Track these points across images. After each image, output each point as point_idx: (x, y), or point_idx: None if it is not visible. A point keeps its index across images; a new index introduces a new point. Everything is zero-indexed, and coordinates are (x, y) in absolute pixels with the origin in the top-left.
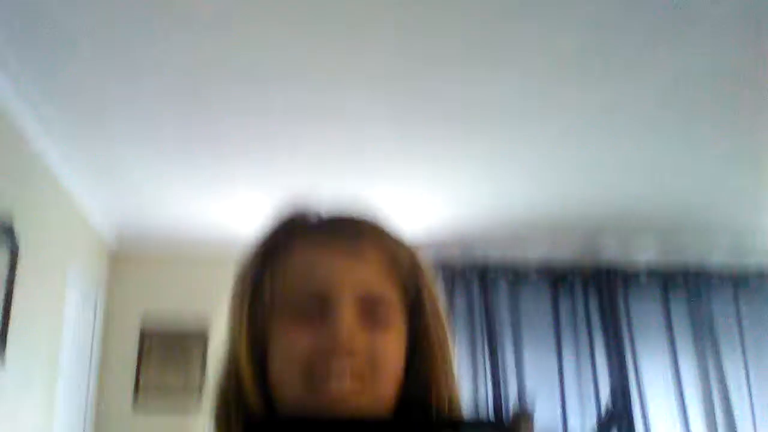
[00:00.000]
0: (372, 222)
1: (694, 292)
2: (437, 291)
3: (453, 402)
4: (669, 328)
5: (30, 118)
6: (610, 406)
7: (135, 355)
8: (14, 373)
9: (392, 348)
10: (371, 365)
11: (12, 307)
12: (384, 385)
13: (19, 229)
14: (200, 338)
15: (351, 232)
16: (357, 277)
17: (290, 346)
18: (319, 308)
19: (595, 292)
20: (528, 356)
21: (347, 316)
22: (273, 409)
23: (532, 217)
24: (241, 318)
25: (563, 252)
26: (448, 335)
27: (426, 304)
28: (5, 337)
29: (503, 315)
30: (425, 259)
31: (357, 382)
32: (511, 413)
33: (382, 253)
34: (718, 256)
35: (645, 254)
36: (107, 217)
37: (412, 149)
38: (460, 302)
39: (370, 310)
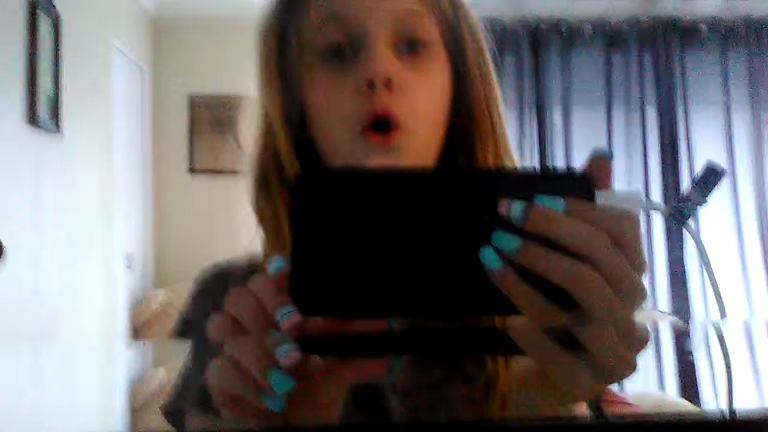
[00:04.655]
0: None
1: (756, 45)
2: (477, 22)
3: (499, 140)
4: (725, 84)
5: None
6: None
7: (186, 121)
8: (71, 141)
9: (435, 81)
10: (414, 105)
11: (60, 75)
12: (428, 128)
13: None
14: (248, 100)
15: None
16: (390, 3)
17: (325, 94)
18: (349, 43)
19: (650, 48)
20: (576, 118)
21: (381, 44)
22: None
23: None
24: (270, 73)
25: (619, 6)
26: (491, 68)
27: (465, 32)
28: (58, 106)
29: (553, 75)
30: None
31: (403, 132)
32: (589, 156)
33: None
34: None
35: (706, 4)
36: None
37: None
38: (508, 62)
39: (406, 35)
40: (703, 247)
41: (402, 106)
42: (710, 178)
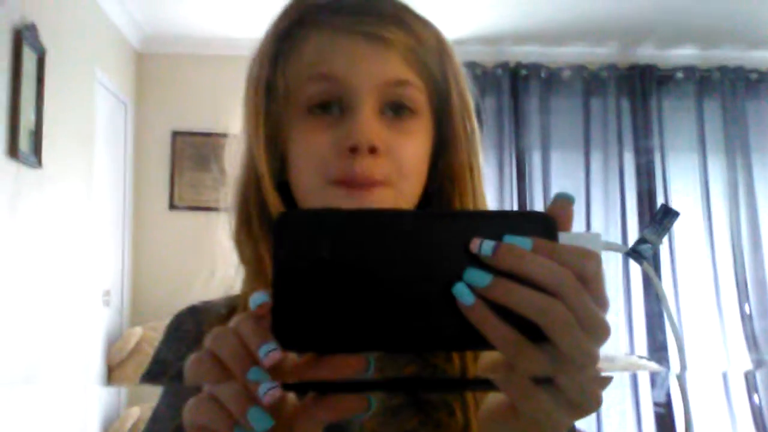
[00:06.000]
0: (395, 2)
1: (730, 92)
2: (465, 81)
3: (477, 198)
4: (700, 129)
5: None
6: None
7: (168, 156)
8: (51, 175)
9: (418, 143)
10: (396, 165)
11: (43, 108)
12: (410, 185)
13: (44, 30)
14: (230, 137)
15: (372, 14)
16: (379, 64)
17: (307, 145)
18: (337, 101)
19: (628, 94)
20: (555, 159)
21: (368, 110)
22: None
23: (567, 17)
24: (257, 117)
25: (598, 52)
26: (476, 128)
27: (453, 94)
28: (39, 139)
29: (533, 117)
30: (452, 46)
31: (383, 187)
32: (552, 199)
33: (406, 37)
34: (756, 55)
35: (682, 53)
36: (131, 17)
37: None
38: (489, 105)
39: (393, 101)
40: (661, 289)
41: (384, 169)
42: (665, 219)
